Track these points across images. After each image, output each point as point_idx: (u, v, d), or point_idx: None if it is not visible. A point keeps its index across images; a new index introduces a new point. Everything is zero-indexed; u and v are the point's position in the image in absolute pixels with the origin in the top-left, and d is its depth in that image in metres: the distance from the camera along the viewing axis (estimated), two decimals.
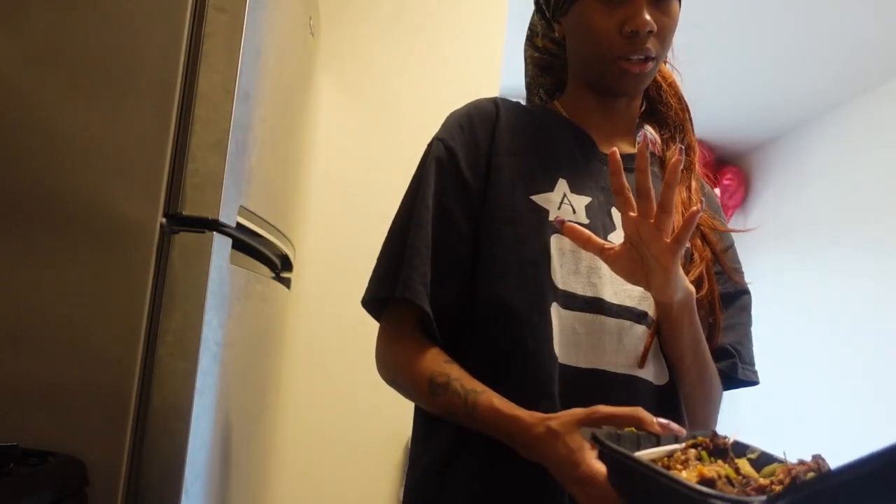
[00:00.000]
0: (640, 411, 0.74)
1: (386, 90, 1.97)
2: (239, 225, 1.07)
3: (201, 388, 0.97)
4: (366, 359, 1.82)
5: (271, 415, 1.53)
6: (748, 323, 1.02)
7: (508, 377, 0.86)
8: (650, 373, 0.91)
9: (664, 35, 0.93)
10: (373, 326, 0.96)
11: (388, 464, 1.84)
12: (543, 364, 0.86)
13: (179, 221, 0.98)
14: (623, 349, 0.90)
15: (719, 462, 0.66)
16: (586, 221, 0.93)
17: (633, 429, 0.73)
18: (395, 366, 0.93)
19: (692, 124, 1.05)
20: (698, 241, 0.97)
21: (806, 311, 3.53)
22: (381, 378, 0.96)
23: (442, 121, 1.00)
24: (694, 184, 1.00)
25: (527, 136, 0.98)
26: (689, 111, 1.05)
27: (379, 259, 0.95)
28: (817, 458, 0.63)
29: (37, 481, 0.83)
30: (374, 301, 0.94)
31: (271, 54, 1.19)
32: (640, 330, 0.91)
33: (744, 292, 1.03)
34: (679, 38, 0.98)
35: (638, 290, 0.92)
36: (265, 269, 1.41)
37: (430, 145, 0.97)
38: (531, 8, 1.07)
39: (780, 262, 3.77)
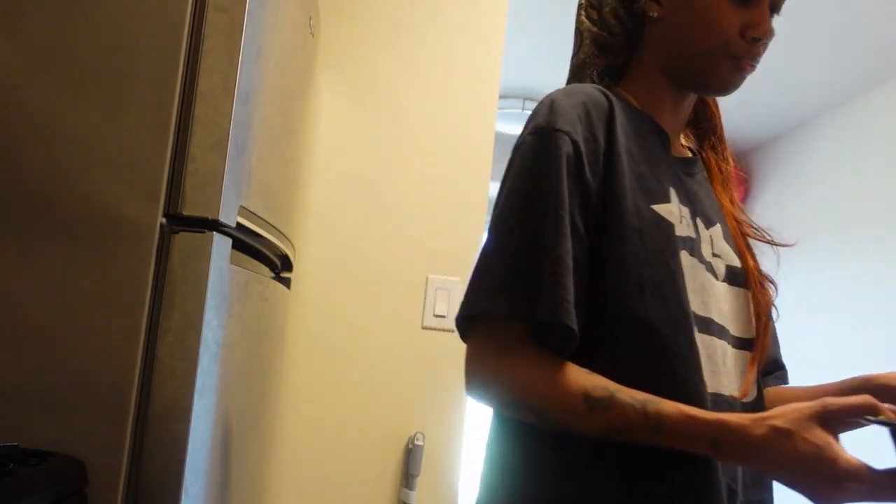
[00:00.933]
0: (873, 399, 0.70)
1: (386, 90, 1.97)
2: (239, 225, 1.07)
3: (201, 388, 0.97)
4: (365, 359, 1.83)
5: (271, 415, 1.53)
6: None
7: None
8: (750, 396, 0.89)
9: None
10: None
11: (389, 464, 1.84)
12: (698, 395, 0.78)
13: (179, 221, 0.98)
14: (728, 371, 0.86)
15: None
16: (694, 235, 0.88)
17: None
18: (521, 385, 0.79)
19: None
20: (754, 257, 0.98)
21: (805, 310, 3.52)
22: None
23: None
24: (735, 194, 1.01)
25: (630, 134, 0.88)
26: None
27: (503, 264, 0.80)
28: None
29: (37, 481, 0.83)
30: (512, 316, 0.79)
31: (271, 54, 1.19)
32: (731, 351, 0.88)
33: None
34: None
35: (725, 306, 0.89)
36: (265, 269, 1.41)
37: (549, 137, 0.82)
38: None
39: (779, 262, 3.77)
